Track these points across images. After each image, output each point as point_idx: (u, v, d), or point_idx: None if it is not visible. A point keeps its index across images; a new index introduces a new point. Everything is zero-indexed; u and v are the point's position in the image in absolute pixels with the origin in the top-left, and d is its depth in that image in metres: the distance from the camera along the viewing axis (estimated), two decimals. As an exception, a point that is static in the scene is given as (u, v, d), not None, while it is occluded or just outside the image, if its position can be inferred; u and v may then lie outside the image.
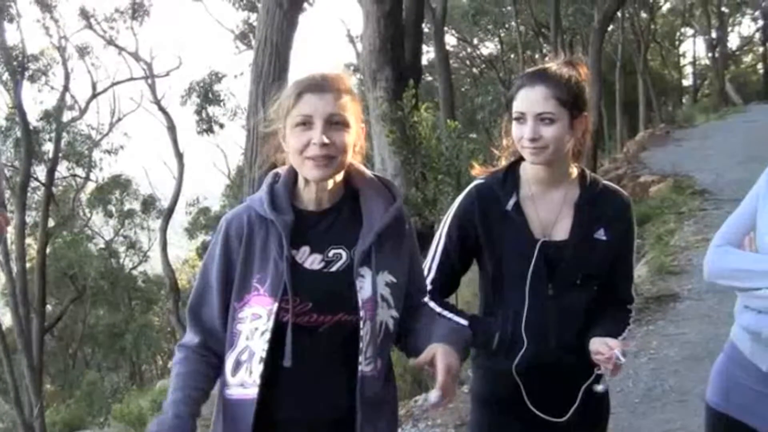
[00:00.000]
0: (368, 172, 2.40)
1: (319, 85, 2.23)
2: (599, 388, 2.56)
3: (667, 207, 13.58)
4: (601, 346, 2.46)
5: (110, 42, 30.14)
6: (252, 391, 2.21)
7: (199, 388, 2.26)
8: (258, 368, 2.20)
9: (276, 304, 2.19)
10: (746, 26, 51.17)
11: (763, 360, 2.46)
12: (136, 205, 34.49)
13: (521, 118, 2.52)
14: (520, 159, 2.65)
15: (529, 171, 2.63)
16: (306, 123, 2.20)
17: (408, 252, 2.38)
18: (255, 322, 2.22)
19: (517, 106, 2.53)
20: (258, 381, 2.20)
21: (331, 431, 2.27)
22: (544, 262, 2.56)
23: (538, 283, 2.57)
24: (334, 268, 2.26)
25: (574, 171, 2.66)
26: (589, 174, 2.68)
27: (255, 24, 21.50)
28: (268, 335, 2.19)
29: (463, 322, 2.66)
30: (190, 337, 2.33)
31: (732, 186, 12.76)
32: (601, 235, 2.61)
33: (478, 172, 2.74)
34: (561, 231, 2.60)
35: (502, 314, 2.63)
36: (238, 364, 2.25)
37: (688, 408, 5.40)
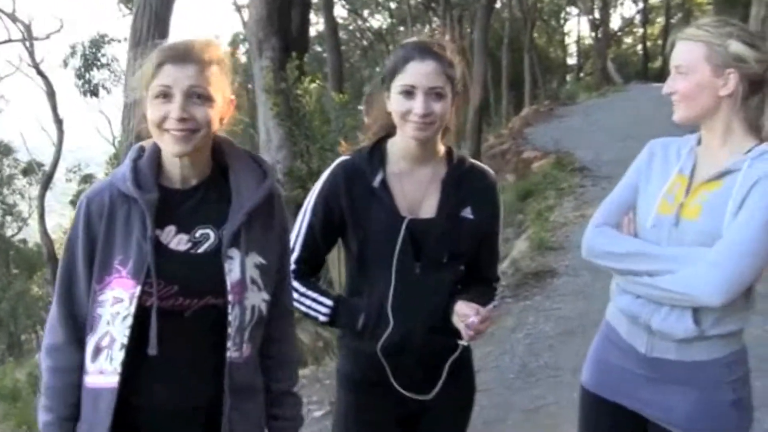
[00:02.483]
0: (239, 148, 2.28)
1: (181, 55, 2.08)
2: (463, 342, 2.53)
3: (549, 183, 13.88)
4: (466, 309, 2.45)
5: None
6: (112, 380, 2.09)
7: (70, 405, 2.18)
8: (119, 356, 2.08)
9: (139, 288, 2.06)
10: (628, 8, 52.72)
11: (640, 342, 2.49)
12: (16, 171, 33.42)
13: (410, 92, 2.45)
14: (387, 135, 2.61)
15: (399, 147, 2.58)
16: (165, 95, 2.06)
17: (278, 231, 2.29)
18: (116, 306, 2.08)
19: (407, 79, 2.45)
20: (119, 369, 2.08)
21: (198, 418, 2.17)
22: (410, 240, 2.52)
23: (405, 262, 2.52)
24: (201, 249, 2.15)
25: (442, 149, 2.63)
26: (456, 152, 2.65)
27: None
28: (130, 320, 2.06)
29: (328, 302, 2.61)
30: (58, 335, 2.18)
31: (610, 164, 13.13)
32: (467, 213, 2.59)
33: (345, 149, 2.69)
34: (428, 209, 2.56)
35: (368, 294, 2.58)
36: (98, 351, 2.12)
37: (560, 383, 5.53)
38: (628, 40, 48.40)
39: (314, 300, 2.62)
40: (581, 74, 43.70)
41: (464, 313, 2.45)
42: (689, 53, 2.39)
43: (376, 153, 2.59)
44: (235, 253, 2.14)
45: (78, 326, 2.16)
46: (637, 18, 46.03)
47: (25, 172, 32.98)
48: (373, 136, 2.64)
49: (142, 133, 2.23)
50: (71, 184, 34.28)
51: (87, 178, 33.62)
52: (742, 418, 2.45)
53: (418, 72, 2.44)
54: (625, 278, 2.50)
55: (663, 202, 2.44)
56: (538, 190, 13.77)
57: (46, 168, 30.75)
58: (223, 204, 2.18)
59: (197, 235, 2.16)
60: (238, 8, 30.86)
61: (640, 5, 44.62)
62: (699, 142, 2.50)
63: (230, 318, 2.12)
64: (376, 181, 2.54)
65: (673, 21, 41.37)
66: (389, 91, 2.52)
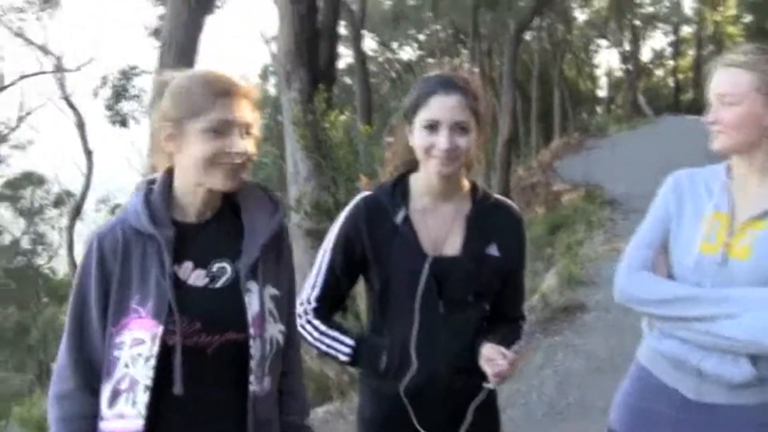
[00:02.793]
0: (247, 180, 2.25)
1: (235, 90, 2.07)
2: (489, 385, 2.42)
3: (578, 216, 13.80)
4: (494, 354, 2.35)
5: (19, 34, 29.26)
6: (136, 423, 2.01)
7: None
8: (143, 398, 2.01)
9: (162, 327, 2.00)
10: (658, 40, 52.77)
11: (688, 387, 2.39)
12: (48, 202, 33.87)
13: (434, 127, 2.38)
14: (410, 170, 2.55)
15: (422, 182, 2.51)
16: (219, 130, 2.03)
17: (287, 262, 2.26)
18: (137, 347, 2.01)
19: (431, 113, 2.39)
20: (143, 412, 2.01)
21: None
22: (434, 279, 2.44)
23: (429, 301, 2.44)
24: (219, 284, 2.10)
25: (466, 184, 2.56)
26: (480, 187, 2.58)
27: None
28: (153, 361, 2.00)
29: (350, 341, 2.54)
30: (69, 382, 2.10)
31: (641, 197, 12.91)
32: (492, 251, 2.51)
33: (366, 185, 2.62)
34: (452, 246, 2.49)
35: (390, 333, 2.50)
36: (116, 394, 2.05)
37: (589, 421, 5.39)
38: (659, 72, 48.32)
39: (335, 339, 2.55)
40: (611, 106, 43.63)
41: (491, 358, 2.36)
42: (737, 82, 2.30)
43: (399, 189, 2.53)
44: (253, 285, 2.11)
45: (92, 371, 2.09)
46: (668, 50, 45.98)
47: (56, 203, 33.38)
48: (394, 171, 2.58)
49: (157, 167, 2.17)
50: (101, 214, 34.66)
51: (116, 209, 33.96)
52: None
53: (442, 106, 2.38)
54: (668, 322, 2.39)
55: (704, 242, 2.35)
56: (567, 223, 13.70)
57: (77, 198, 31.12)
58: (235, 237, 2.15)
59: (214, 269, 2.12)
60: (267, 41, 31.07)
61: (671, 37, 44.59)
62: (728, 175, 2.41)
63: (252, 351, 2.08)
64: (399, 218, 2.48)
65: (704, 53, 41.29)
66: (412, 125, 2.45)
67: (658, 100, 42.35)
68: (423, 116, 2.40)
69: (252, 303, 2.09)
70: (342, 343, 2.55)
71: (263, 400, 2.13)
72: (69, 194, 33.50)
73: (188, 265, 2.10)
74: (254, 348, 2.08)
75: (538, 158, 24.75)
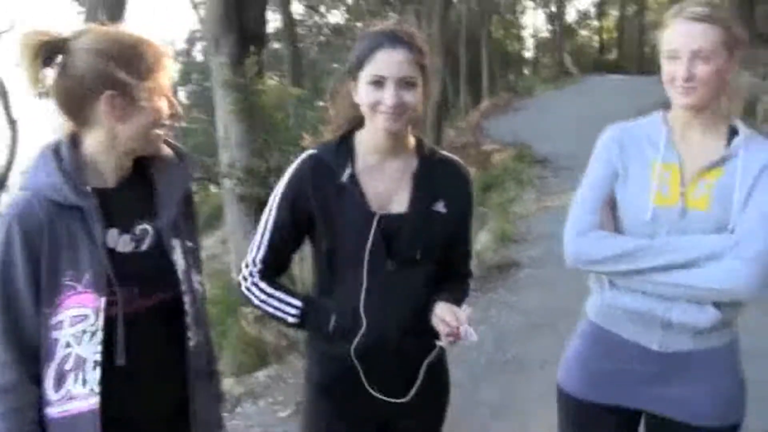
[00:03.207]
0: None
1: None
2: (441, 343, 2.41)
3: (509, 175, 13.96)
4: (448, 314, 2.35)
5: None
6: (90, 402, 1.98)
7: None
8: (93, 375, 1.97)
9: (103, 299, 1.97)
10: (582, 1, 53.26)
11: (651, 339, 2.41)
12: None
13: (380, 82, 2.33)
14: (354, 128, 2.50)
15: (367, 140, 2.47)
16: (166, 93, 2.09)
17: (193, 213, 2.31)
18: (79, 324, 1.97)
19: (376, 69, 2.32)
20: (96, 389, 1.98)
21: (168, 410, 2.17)
22: (382, 237, 2.41)
23: (377, 260, 2.41)
24: (145, 246, 2.10)
25: (412, 140, 2.52)
26: (426, 144, 2.54)
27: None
28: (100, 336, 1.97)
29: (297, 303, 2.49)
30: (10, 374, 1.98)
31: (569, 154, 13.20)
32: (439, 207, 2.48)
33: (310, 143, 2.58)
34: (399, 204, 2.46)
35: (338, 294, 2.47)
36: (61, 376, 1.99)
37: (528, 375, 5.50)
38: (584, 32, 48.85)
39: (281, 301, 2.49)
40: (538, 67, 43.99)
41: (446, 320, 2.35)
42: (709, 37, 2.26)
43: (343, 147, 2.48)
44: (176, 242, 2.14)
45: (32, 359, 2.00)
46: (592, 11, 46.52)
47: (-22, 174, 32.51)
48: (338, 130, 2.52)
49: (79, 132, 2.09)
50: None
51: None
52: (745, 396, 2.44)
53: (388, 61, 2.32)
54: (626, 277, 2.38)
55: (657, 194, 2.35)
56: (498, 182, 13.83)
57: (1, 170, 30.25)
58: (147, 196, 2.15)
59: (137, 231, 2.10)
60: (195, 5, 30.51)
61: (595, -2, 45.09)
62: (667, 126, 2.42)
63: (186, 307, 2.12)
64: (345, 176, 2.43)
65: (627, 13, 41.86)
66: (356, 82, 2.40)
67: (583, 60, 42.81)
68: (369, 71, 2.35)
69: (178, 260, 2.12)
70: (289, 304, 2.49)
71: (198, 351, 2.18)
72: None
73: (113, 231, 2.06)
74: (187, 303, 2.12)
75: (467, 119, 24.86)
